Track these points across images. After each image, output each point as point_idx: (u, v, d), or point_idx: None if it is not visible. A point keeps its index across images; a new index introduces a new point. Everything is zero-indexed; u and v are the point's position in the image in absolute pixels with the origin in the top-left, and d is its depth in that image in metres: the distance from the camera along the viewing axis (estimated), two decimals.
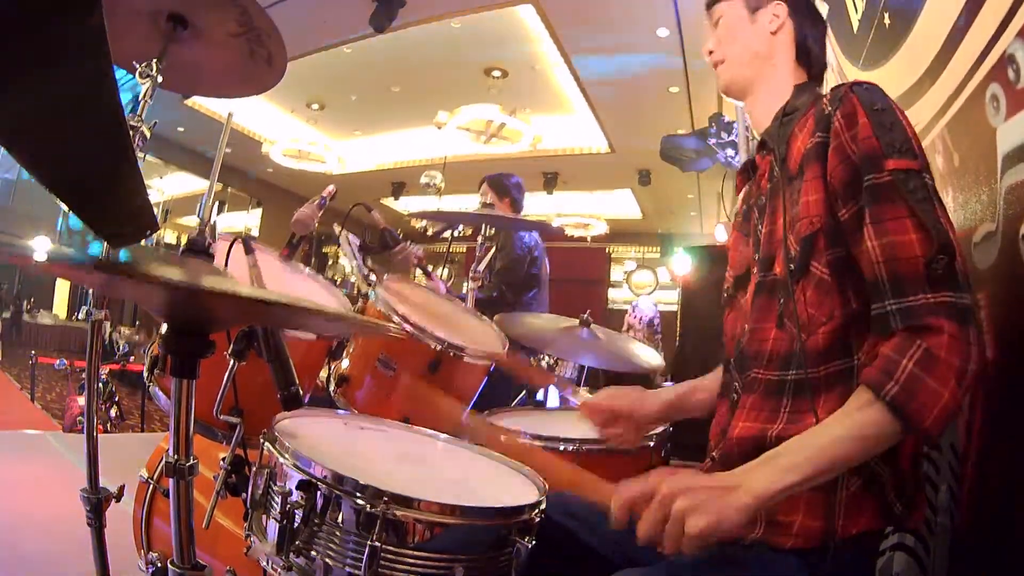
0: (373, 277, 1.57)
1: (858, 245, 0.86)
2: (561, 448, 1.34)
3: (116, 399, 5.24)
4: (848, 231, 0.88)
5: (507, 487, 1.02)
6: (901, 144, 0.85)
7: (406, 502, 0.81)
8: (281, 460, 0.88)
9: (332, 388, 1.54)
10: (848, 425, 0.78)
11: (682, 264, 4.47)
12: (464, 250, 7.43)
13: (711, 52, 1.16)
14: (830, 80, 1.34)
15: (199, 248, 0.78)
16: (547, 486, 1.00)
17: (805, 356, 0.89)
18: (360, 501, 0.81)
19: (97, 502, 1.37)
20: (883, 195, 0.84)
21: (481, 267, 2.49)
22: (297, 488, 0.84)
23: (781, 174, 0.99)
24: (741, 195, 1.18)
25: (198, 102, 7.79)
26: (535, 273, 3.07)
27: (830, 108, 0.92)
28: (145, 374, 1.34)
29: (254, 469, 0.92)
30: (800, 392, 0.90)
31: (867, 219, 0.84)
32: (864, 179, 0.85)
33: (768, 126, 1.06)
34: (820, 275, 0.91)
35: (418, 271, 2.73)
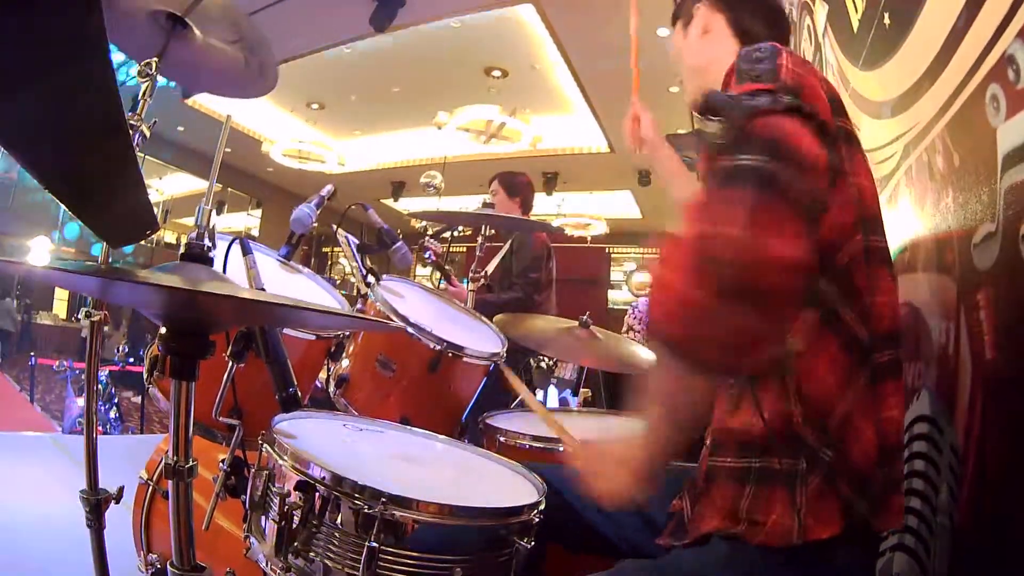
0: (372, 278, 1.56)
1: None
2: (561, 449, 1.34)
3: (116, 400, 5.24)
4: None
5: (506, 488, 1.02)
6: (763, 76, 0.80)
7: (405, 503, 0.81)
8: (280, 461, 0.88)
9: (331, 389, 1.54)
10: (653, 379, 0.84)
11: None
12: (464, 250, 7.44)
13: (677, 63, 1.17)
14: (830, 81, 1.33)
15: (197, 255, 0.78)
16: (546, 487, 1.00)
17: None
18: (358, 502, 0.81)
19: (96, 503, 1.37)
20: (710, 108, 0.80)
21: (490, 269, 2.47)
22: (296, 489, 0.84)
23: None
24: None
25: (198, 102, 7.80)
26: (549, 270, 3.06)
27: None
28: (145, 376, 1.34)
29: (253, 470, 0.92)
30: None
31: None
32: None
33: None
34: None
35: (436, 272, 2.67)
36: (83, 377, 1.54)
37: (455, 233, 3.05)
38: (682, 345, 0.72)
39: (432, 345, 1.46)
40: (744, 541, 0.83)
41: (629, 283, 10.98)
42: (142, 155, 1.42)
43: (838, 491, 0.79)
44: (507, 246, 2.93)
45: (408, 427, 1.26)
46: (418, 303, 1.73)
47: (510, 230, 2.94)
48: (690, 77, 1.12)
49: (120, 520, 1.43)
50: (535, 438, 1.37)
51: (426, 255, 2.50)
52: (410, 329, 1.45)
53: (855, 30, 1.63)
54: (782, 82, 0.77)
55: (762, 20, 1.07)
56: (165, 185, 10.92)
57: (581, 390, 2.89)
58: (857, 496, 0.80)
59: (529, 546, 0.86)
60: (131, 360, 7.07)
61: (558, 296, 3.19)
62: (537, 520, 0.91)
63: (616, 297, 11.22)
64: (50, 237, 8.95)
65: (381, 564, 0.79)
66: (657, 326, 0.72)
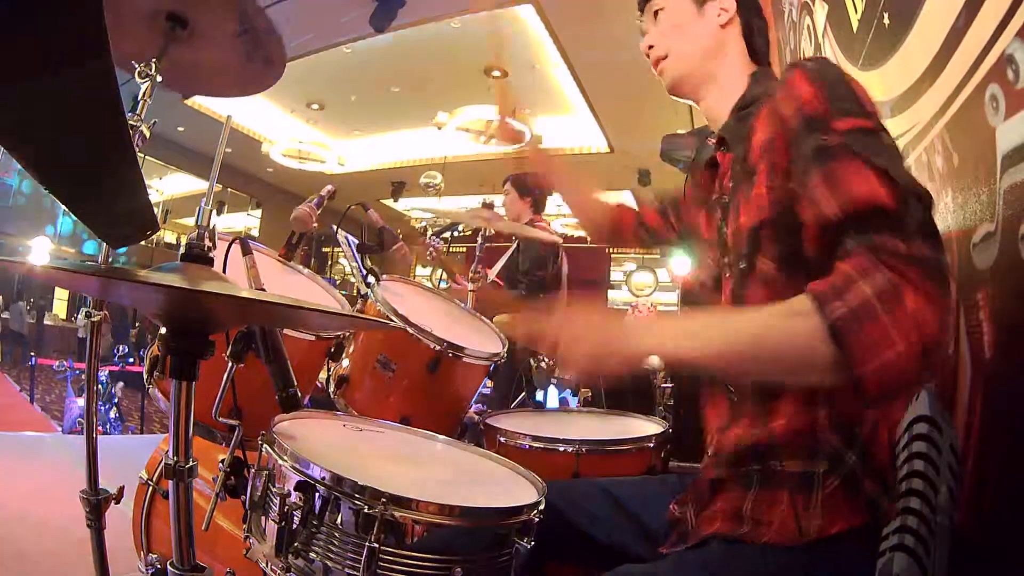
0: (372, 279, 1.56)
1: (805, 212, 0.77)
2: (561, 449, 1.34)
3: (116, 401, 5.24)
4: (796, 204, 0.80)
5: (506, 487, 1.02)
6: (851, 105, 0.79)
7: (404, 503, 0.81)
8: (280, 462, 0.88)
9: (331, 389, 1.54)
10: (762, 324, 0.71)
11: (682, 264, 4.47)
12: (464, 250, 7.43)
13: (651, 47, 1.08)
14: None
15: (197, 255, 0.78)
16: (546, 487, 1.00)
17: None
18: (358, 502, 0.81)
19: (97, 503, 1.37)
20: (835, 155, 0.75)
21: (496, 268, 2.48)
22: (296, 489, 0.84)
23: (742, 171, 0.94)
24: (702, 193, 1.12)
25: (198, 102, 7.80)
26: (557, 272, 3.06)
27: (777, 91, 0.88)
28: (145, 376, 1.34)
29: (253, 471, 0.92)
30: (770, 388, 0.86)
31: (817, 181, 0.75)
32: (810, 141, 0.78)
33: (725, 121, 1.01)
34: (767, 270, 0.86)
35: (438, 271, 2.68)
36: (83, 377, 1.54)
37: (455, 233, 3.06)
38: (868, 389, 0.66)
39: (432, 345, 1.46)
40: (746, 542, 0.84)
41: (629, 283, 10.98)
42: (142, 155, 1.42)
43: (862, 490, 0.82)
44: (514, 245, 2.94)
45: (408, 427, 1.26)
46: (418, 303, 1.73)
47: (512, 236, 2.93)
48: (691, 54, 1.04)
49: (120, 520, 1.43)
50: (535, 438, 1.37)
51: (428, 254, 2.50)
52: (410, 329, 1.45)
53: (855, 30, 1.63)
54: (878, 121, 0.79)
55: (764, 42, 1.07)
56: (165, 185, 10.92)
57: (581, 390, 2.89)
58: (881, 492, 0.83)
59: (529, 546, 0.86)
60: (116, 351, 7.09)
61: None
62: (537, 520, 0.91)
63: (616, 297, 11.21)
64: (45, 232, 8.95)
65: (381, 564, 0.79)
66: (857, 367, 0.65)
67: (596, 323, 0.79)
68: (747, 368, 0.74)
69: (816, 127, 0.78)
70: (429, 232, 2.64)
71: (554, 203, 10.35)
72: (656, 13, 1.07)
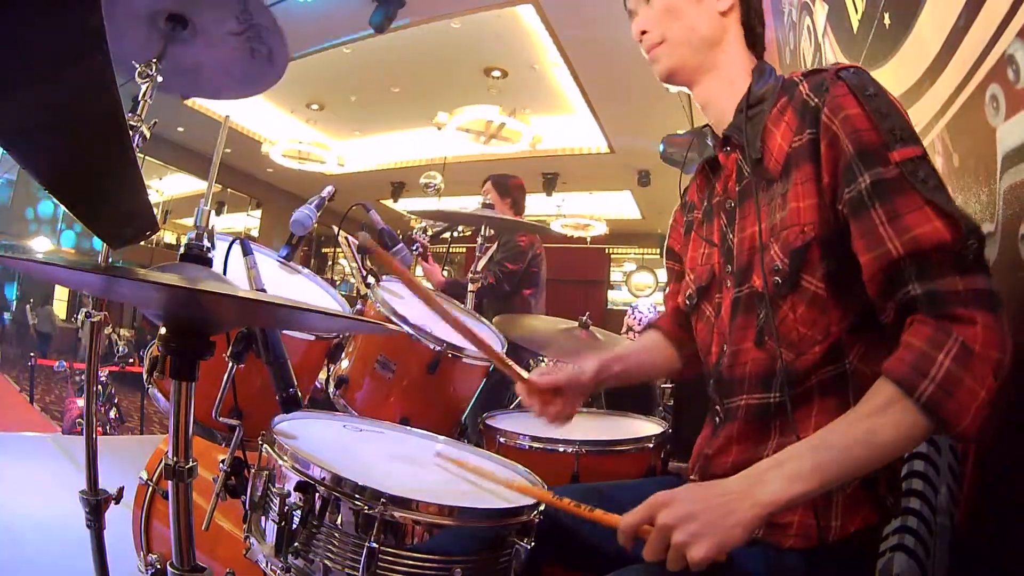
0: (372, 279, 1.56)
1: (866, 250, 0.78)
2: (560, 450, 1.34)
3: (115, 401, 5.24)
4: (846, 229, 0.81)
5: (506, 488, 1.02)
6: (902, 131, 0.78)
7: (404, 503, 0.81)
8: (280, 462, 0.88)
9: (331, 390, 1.54)
10: (866, 429, 0.71)
11: None
12: (464, 250, 7.44)
13: (644, 32, 1.01)
14: None
15: (197, 256, 0.78)
16: (546, 487, 1.00)
17: (788, 377, 0.85)
18: (358, 503, 0.81)
19: (96, 504, 1.37)
20: (894, 189, 0.76)
21: (480, 266, 2.50)
22: (296, 490, 0.84)
23: (755, 175, 0.91)
24: (698, 195, 1.09)
25: (198, 102, 7.78)
26: (535, 271, 3.08)
27: (816, 100, 0.84)
28: (145, 376, 1.34)
29: (253, 471, 0.92)
30: (786, 412, 0.85)
31: (879, 218, 0.76)
32: (867, 175, 0.78)
33: (731, 120, 0.97)
34: (814, 290, 0.84)
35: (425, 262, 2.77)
36: (83, 377, 1.54)
37: (455, 233, 3.07)
38: (970, 434, 0.70)
39: (432, 346, 1.46)
40: (757, 541, 0.84)
41: (629, 283, 10.97)
42: (142, 155, 1.42)
43: (876, 491, 0.83)
44: (495, 245, 2.97)
45: (408, 428, 1.26)
46: (417, 304, 1.73)
47: (504, 231, 2.96)
48: (688, 41, 0.98)
49: (120, 520, 1.43)
50: (535, 438, 1.37)
51: (414, 248, 2.53)
52: (410, 330, 1.45)
53: (855, 30, 1.63)
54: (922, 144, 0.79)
55: (762, 27, 1.04)
56: (165, 185, 10.91)
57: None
58: (888, 491, 0.84)
59: (529, 547, 0.86)
60: (116, 351, 7.07)
61: (558, 297, 3.21)
62: (537, 521, 0.90)
63: (616, 297, 11.21)
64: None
65: (381, 565, 0.79)
66: (958, 427, 0.69)
67: (701, 498, 0.72)
68: (867, 469, 0.73)
69: (873, 158, 0.78)
70: (429, 232, 2.65)
71: (554, 203, 10.29)
72: None
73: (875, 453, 0.71)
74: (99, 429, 1.47)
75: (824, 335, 0.84)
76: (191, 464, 0.79)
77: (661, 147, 4.47)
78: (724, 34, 0.99)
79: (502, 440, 1.40)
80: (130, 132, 1.37)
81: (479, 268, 2.50)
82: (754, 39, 1.02)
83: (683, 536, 0.70)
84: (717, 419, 0.98)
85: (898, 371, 0.71)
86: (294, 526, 0.83)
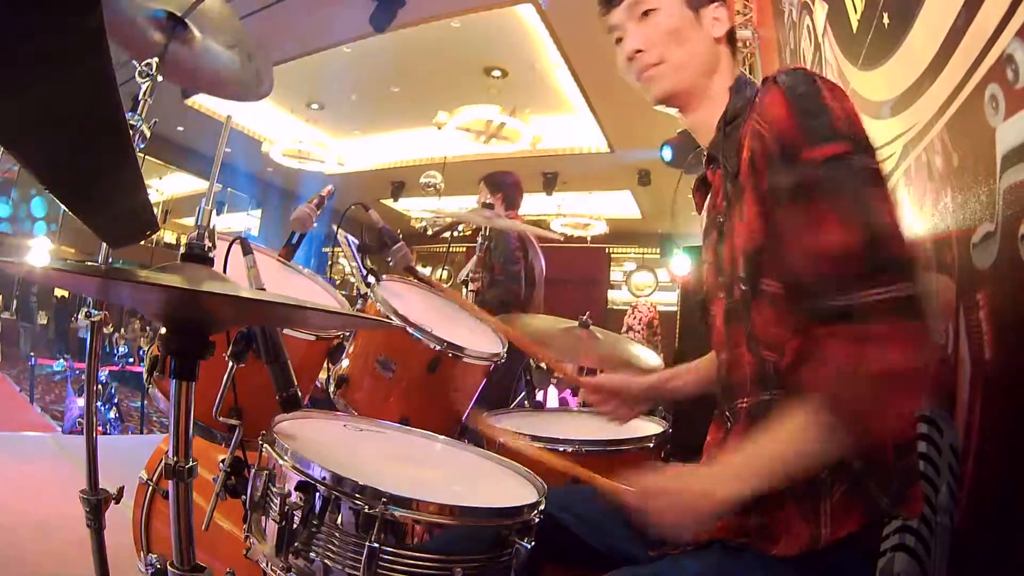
0: (372, 279, 1.56)
1: (787, 247, 0.80)
2: (560, 449, 1.34)
3: (115, 401, 5.24)
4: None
5: (506, 488, 1.02)
6: (825, 130, 0.77)
7: (405, 503, 0.81)
8: (280, 462, 0.88)
9: (331, 390, 1.54)
10: (797, 439, 0.76)
11: (682, 265, 4.46)
12: (464, 250, 7.43)
13: (638, 51, 0.97)
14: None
15: (197, 255, 0.78)
16: (546, 487, 1.00)
17: (777, 376, 0.86)
18: (359, 502, 0.81)
19: (96, 503, 1.37)
20: (805, 192, 0.76)
21: (470, 265, 2.50)
22: (296, 489, 0.84)
23: (733, 189, 0.91)
24: (704, 213, 1.09)
25: (198, 102, 7.80)
26: (532, 269, 3.07)
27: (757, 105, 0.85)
28: (145, 376, 1.34)
29: (253, 471, 0.92)
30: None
31: (789, 222, 0.78)
32: (783, 175, 0.78)
33: (713, 137, 0.97)
34: (773, 291, 0.85)
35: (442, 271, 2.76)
36: (83, 377, 1.54)
37: (455, 233, 3.07)
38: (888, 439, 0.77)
39: (432, 345, 1.46)
40: (747, 548, 0.84)
41: (629, 283, 10.98)
42: (142, 155, 1.42)
43: (865, 493, 0.83)
44: (484, 243, 2.95)
45: (408, 427, 1.26)
46: (418, 303, 1.73)
47: (495, 230, 2.95)
48: (687, 66, 0.97)
49: (120, 520, 1.43)
50: (535, 438, 1.37)
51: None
52: (410, 329, 1.44)
53: (854, 30, 1.63)
54: (855, 142, 0.78)
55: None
56: (165, 185, 10.91)
57: (581, 390, 2.89)
58: (880, 492, 0.83)
59: (529, 546, 0.86)
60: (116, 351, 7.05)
61: (558, 296, 3.20)
62: (537, 520, 0.90)
63: (616, 297, 11.21)
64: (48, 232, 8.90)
65: (381, 564, 0.79)
66: (878, 437, 0.77)
67: (674, 485, 0.81)
68: (788, 481, 0.78)
69: (790, 158, 0.78)
70: (429, 232, 2.65)
71: (554, 203, 10.31)
72: (646, 13, 0.96)
73: (806, 461, 0.77)
74: (99, 429, 1.48)
75: (795, 332, 0.84)
76: (191, 464, 0.79)
77: (668, 155, 4.42)
78: (718, 62, 0.99)
79: (502, 440, 1.40)
80: (130, 132, 1.37)
81: (470, 267, 2.49)
82: (733, 45, 1.02)
83: (662, 504, 0.80)
84: (728, 424, 0.97)
85: (821, 389, 0.75)
86: (294, 526, 0.83)
